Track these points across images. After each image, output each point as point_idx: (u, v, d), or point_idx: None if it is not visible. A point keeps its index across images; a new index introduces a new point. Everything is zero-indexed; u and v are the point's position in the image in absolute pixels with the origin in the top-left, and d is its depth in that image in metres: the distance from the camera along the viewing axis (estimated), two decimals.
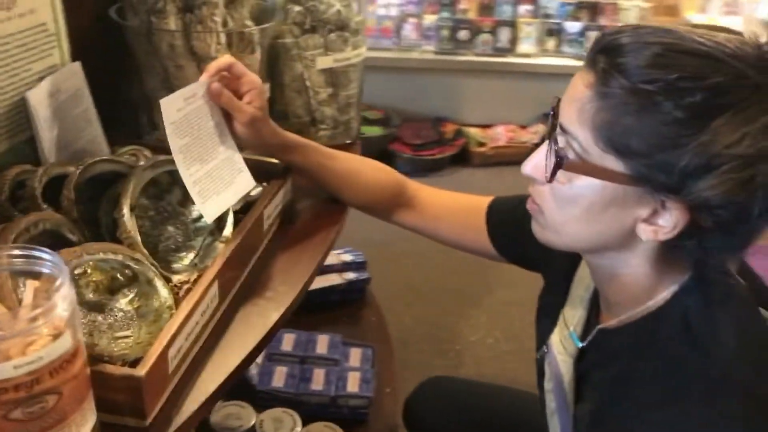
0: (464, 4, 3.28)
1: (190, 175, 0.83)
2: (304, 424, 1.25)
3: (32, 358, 0.51)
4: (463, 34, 3.23)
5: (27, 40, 0.93)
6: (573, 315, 0.84)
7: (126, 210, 0.79)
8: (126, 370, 0.64)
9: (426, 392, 1.23)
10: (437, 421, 1.19)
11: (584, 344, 0.80)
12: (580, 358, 0.81)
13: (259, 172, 0.96)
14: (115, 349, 0.69)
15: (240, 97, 0.92)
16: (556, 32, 3.28)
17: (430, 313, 2.11)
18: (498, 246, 1.01)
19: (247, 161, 0.93)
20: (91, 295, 0.74)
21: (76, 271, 0.73)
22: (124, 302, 0.76)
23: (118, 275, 0.76)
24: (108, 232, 0.80)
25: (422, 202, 1.09)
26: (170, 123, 0.81)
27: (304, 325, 1.49)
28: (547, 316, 0.92)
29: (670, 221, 0.65)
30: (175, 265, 0.83)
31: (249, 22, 1.10)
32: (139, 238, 0.78)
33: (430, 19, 3.23)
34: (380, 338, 1.54)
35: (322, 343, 1.43)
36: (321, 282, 1.60)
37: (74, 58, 1.01)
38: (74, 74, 1.01)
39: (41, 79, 0.94)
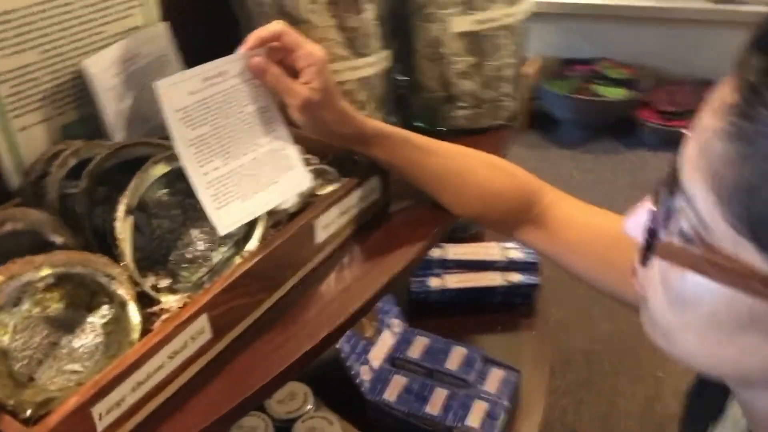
0: None
1: (203, 175, 0.67)
2: None
3: None
4: None
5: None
6: None
7: (121, 211, 0.66)
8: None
9: None
10: None
11: None
12: None
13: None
14: (51, 388, 0.58)
15: (296, 75, 0.72)
16: None
17: (620, 329, 1.73)
18: None
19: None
20: (60, 311, 0.63)
21: (42, 283, 0.62)
22: (98, 322, 0.63)
23: (98, 290, 0.64)
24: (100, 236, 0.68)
25: (554, 221, 0.80)
26: (176, 110, 0.65)
27: (443, 328, 1.28)
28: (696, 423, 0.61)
29: None
30: (181, 282, 0.69)
31: None
32: (128, 248, 0.65)
33: None
34: (535, 361, 1.27)
35: (457, 357, 1.21)
36: (478, 279, 1.37)
37: (164, 19, 0.91)
38: (158, 37, 0.90)
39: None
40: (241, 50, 0.70)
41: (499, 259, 1.39)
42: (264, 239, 0.71)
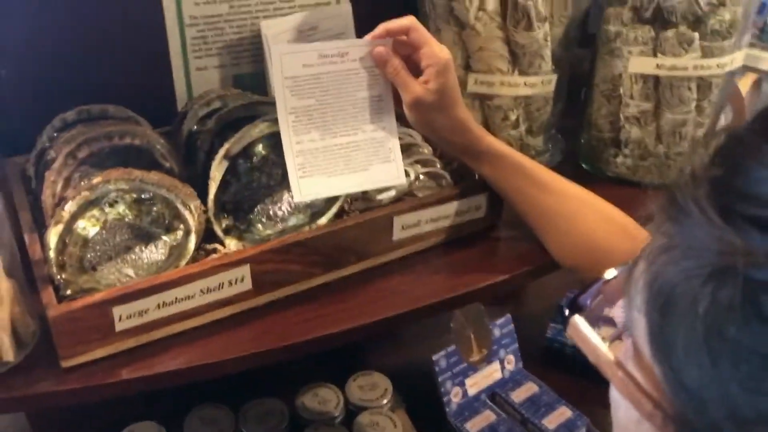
0: None
1: (296, 143, 0.71)
2: None
3: None
4: None
5: None
6: None
7: (220, 154, 0.72)
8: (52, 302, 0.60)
9: None
10: None
11: None
12: None
13: None
14: (102, 281, 0.66)
15: (419, 73, 0.72)
16: None
17: None
18: None
19: None
20: (146, 223, 0.71)
21: (134, 194, 0.71)
22: (169, 242, 0.71)
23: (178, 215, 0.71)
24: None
25: None
26: (286, 77, 0.69)
27: (561, 385, 1.18)
28: None
29: None
30: (251, 233, 0.74)
31: None
32: (214, 187, 0.71)
33: None
34: None
35: (559, 417, 1.11)
36: None
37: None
38: (340, 15, 0.96)
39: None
40: (368, 37, 0.72)
41: None
42: (338, 218, 0.73)
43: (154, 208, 0.71)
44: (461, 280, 0.75)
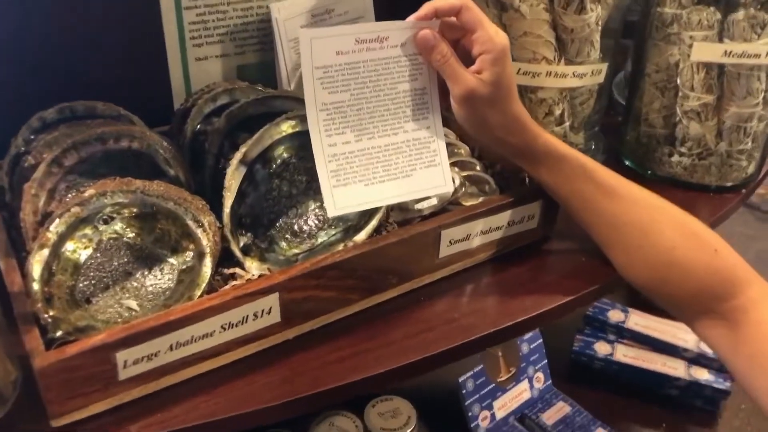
0: None
1: (329, 146, 0.59)
2: None
3: None
4: None
5: None
6: None
7: (236, 159, 0.61)
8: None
9: None
10: None
11: None
12: None
13: None
14: (99, 317, 0.54)
15: (470, 60, 0.61)
16: None
17: None
18: None
19: None
20: (148, 242, 0.59)
21: (134, 208, 0.59)
22: (178, 267, 0.59)
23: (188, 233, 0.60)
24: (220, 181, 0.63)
25: (751, 325, 0.61)
26: (317, 66, 0.58)
27: (595, 403, 1.09)
28: None
29: None
30: (275, 252, 0.62)
31: None
32: (230, 199, 0.59)
33: None
34: None
35: None
36: (655, 362, 1.14)
37: None
38: None
39: None
40: (411, 18, 0.60)
41: (690, 347, 1.15)
42: (377, 234, 0.62)
43: (159, 225, 0.60)
44: (519, 304, 0.64)
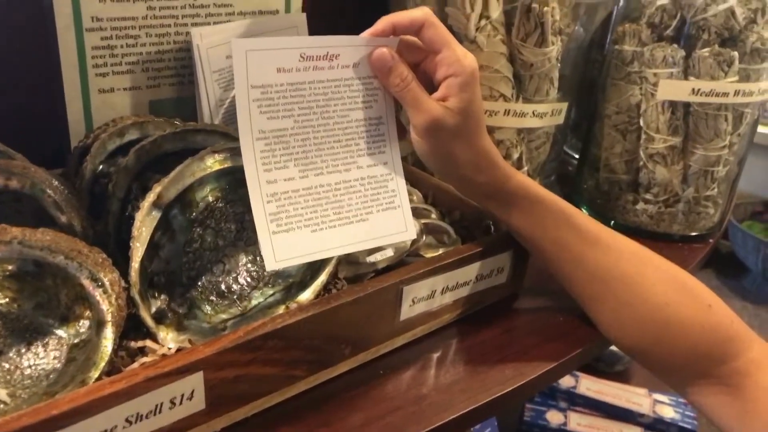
0: None
1: (267, 183, 0.48)
2: None
3: None
4: None
5: None
6: None
7: (148, 202, 0.48)
8: None
9: None
10: None
11: None
12: None
13: None
14: None
15: (433, 86, 0.52)
16: None
17: None
18: None
19: None
20: (26, 309, 0.45)
21: (11, 265, 0.45)
22: (68, 341, 0.45)
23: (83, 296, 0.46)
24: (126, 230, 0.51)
25: (755, 389, 0.53)
26: (254, 86, 0.47)
27: None
28: None
29: None
30: (196, 319, 0.49)
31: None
32: (139, 252, 0.46)
33: None
34: None
35: None
36: (611, 430, 1.06)
37: (304, 9, 0.76)
38: (292, 27, 0.75)
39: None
40: (364, 34, 0.51)
41: (645, 413, 1.07)
42: (324, 293, 0.50)
43: (44, 287, 0.46)
44: (498, 374, 0.53)
